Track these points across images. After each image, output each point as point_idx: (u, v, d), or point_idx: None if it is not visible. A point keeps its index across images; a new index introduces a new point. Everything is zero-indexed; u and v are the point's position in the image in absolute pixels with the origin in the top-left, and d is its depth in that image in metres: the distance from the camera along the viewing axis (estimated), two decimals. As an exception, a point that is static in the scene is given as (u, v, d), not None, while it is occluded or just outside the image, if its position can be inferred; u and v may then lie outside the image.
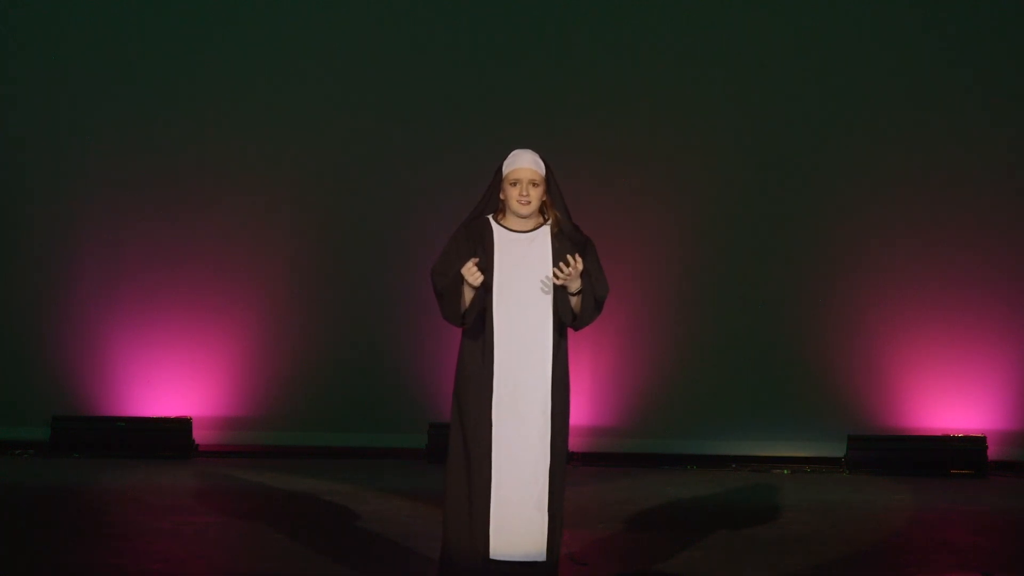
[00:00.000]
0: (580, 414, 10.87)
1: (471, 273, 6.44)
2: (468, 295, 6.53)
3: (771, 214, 11.00)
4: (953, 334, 10.88)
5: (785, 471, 10.73)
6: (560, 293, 6.57)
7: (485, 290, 6.57)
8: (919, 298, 10.91)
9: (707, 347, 11.01)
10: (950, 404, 10.86)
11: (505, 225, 6.67)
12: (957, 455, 10.73)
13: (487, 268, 6.59)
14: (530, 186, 6.59)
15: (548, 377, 6.56)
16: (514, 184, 6.61)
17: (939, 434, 10.82)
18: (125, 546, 7.87)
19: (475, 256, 6.56)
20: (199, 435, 11.05)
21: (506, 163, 6.67)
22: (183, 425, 11.01)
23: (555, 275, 6.51)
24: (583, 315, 6.63)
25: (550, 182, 6.66)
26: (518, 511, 6.52)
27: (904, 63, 10.92)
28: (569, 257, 6.48)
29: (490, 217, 6.69)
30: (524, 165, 6.62)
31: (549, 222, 6.68)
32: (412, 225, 10.99)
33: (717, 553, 7.92)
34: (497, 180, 6.68)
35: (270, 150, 11.14)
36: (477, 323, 6.61)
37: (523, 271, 6.59)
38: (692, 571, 7.53)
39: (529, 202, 6.59)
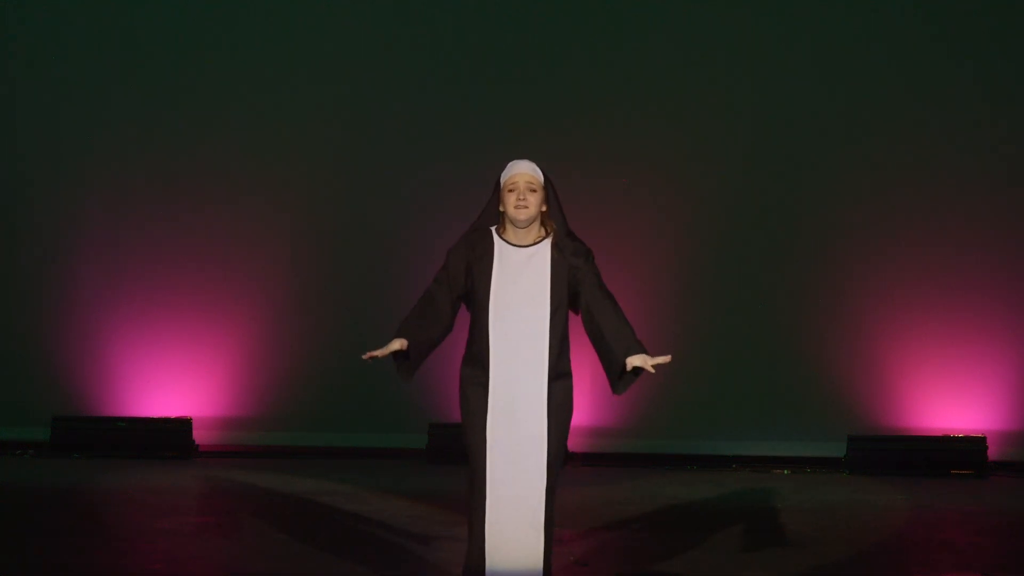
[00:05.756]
0: (580, 414, 10.80)
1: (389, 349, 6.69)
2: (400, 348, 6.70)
3: (771, 215, 11.00)
4: (953, 334, 10.88)
5: (785, 471, 10.73)
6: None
7: (478, 308, 6.57)
8: (919, 298, 10.91)
9: (707, 348, 11.01)
10: (950, 404, 10.86)
11: (506, 239, 6.60)
12: (957, 455, 10.73)
13: (485, 282, 6.55)
14: (527, 191, 6.52)
15: (544, 394, 6.51)
16: (511, 190, 6.55)
17: (939, 434, 10.82)
18: (125, 546, 7.87)
19: (466, 269, 6.57)
20: (199, 435, 11.05)
21: (504, 173, 6.61)
22: (183, 425, 11.01)
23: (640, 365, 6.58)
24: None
25: (549, 193, 6.59)
26: (514, 532, 6.46)
27: (903, 64, 10.92)
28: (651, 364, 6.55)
29: (493, 229, 6.64)
30: (520, 171, 6.56)
31: (550, 237, 6.59)
32: (412, 226, 11.00)
33: (717, 553, 7.93)
34: (496, 192, 6.64)
35: (271, 152, 11.15)
36: (477, 340, 6.58)
37: (521, 286, 6.51)
38: (692, 571, 7.53)
39: (527, 207, 6.52)
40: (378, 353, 6.81)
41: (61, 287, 11.16)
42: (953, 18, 10.89)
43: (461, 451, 6.57)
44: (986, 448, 10.73)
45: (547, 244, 6.59)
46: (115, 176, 11.16)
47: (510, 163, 6.63)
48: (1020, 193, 10.93)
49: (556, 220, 6.61)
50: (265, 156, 11.15)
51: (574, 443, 10.98)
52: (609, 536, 8.35)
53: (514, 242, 6.59)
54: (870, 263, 10.95)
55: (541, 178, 6.57)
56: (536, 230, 6.61)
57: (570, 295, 6.60)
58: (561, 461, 6.60)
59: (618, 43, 11.01)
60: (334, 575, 7.39)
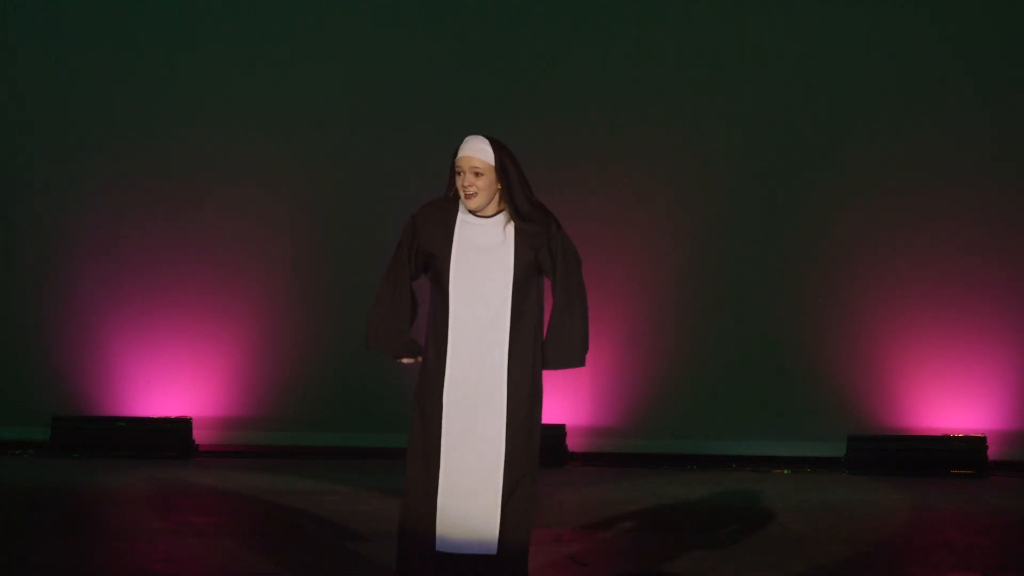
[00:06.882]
0: (580, 414, 10.87)
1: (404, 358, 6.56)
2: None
3: (771, 214, 10.99)
4: (953, 334, 10.87)
5: (785, 471, 10.73)
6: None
7: (438, 277, 6.46)
8: (919, 298, 10.91)
9: (707, 347, 11.00)
10: (950, 404, 10.86)
11: (471, 210, 6.49)
12: (957, 455, 10.73)
13: (446, 253, 6.47)
14: (472, 175, 6.40)
15: (504, 369, 6.38)
16: (459, 173, 6.45)
17: (939, 434, 10.82)
18: (125, 546, 7.87)
19: (417, 241, 6.49)
20: (199, 435, 11.05)
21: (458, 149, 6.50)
22: (183, 425, 11.00)
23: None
24: (577, 336, 6.56)
25: (507, 168, 6.43)
26: (467, 504, 6.34)
27: (903, 65, 10.92)
28: None
29: (460, 201, 6.51)
30: (465, 153, 6.42)
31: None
32: (412, 225, 10.98)
33: (717, 553, 7.93)
34: (452, 167, 6.51)
35: (270, 151, 11.14)
36: (437, 310, 6.50)
37: (482, 259, 6.41)
38: (692, 571, 7.53)
39: (475, 193, 6.41)
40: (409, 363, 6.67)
41: (61, 287, 11.16)
42: (954, 20, 10.88)
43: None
44: (986, 448, 10.73)
45: (509, 215, 6.47)
46: (115, 176, 11.15)
47: (464, 139, 6.50)
48: (1020, 193, 10.92)
49: (517, 194, 6.44)
50: (266, 156, 11.14)
51: (574, 443, 10.97)
52: (609, 536, 8.34)
53: (477, 213, 6.48)
54: (870, 263, 10.94)
55: (490, 158, 6.42)
56: (497, 203, 6.48)
57: (537, 268, 6.46)
58: (529, 438, 6.42)
59: (618, 43, 11.00)
60: None
